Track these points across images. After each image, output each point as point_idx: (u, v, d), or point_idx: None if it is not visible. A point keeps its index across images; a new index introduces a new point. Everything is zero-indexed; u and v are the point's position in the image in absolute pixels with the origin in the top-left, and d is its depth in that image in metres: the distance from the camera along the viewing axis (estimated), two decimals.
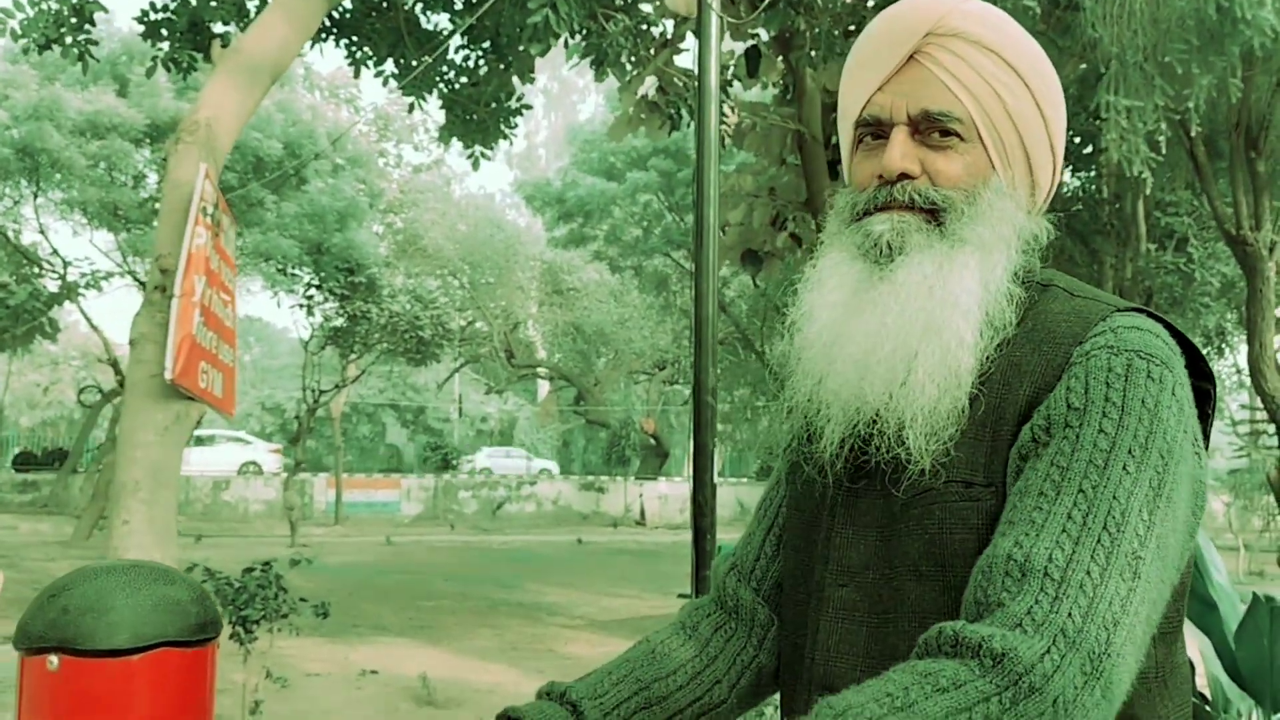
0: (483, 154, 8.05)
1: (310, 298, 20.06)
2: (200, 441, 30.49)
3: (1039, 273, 1.08)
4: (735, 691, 1.14)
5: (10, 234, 19.59)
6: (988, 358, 1.00)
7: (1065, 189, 13.25)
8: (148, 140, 17.90)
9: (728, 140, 9.28)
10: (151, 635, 0.71)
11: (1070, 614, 0.84)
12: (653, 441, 32.41)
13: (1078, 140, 11.80)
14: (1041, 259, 1.08)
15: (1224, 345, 13.46)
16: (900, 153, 1.03)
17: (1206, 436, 1.01)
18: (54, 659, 0.69)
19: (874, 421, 1.02)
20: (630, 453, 33.65)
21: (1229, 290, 11.54)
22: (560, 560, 18.60)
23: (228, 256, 4.60)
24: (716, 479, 3.95)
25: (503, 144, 8.47)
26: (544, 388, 42.36)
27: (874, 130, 1.07)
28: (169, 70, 7.30)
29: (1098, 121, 6.80)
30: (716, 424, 3.75)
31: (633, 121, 8.88)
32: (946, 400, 0.98)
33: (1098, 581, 0.86)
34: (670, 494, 31.22)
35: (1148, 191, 7.16)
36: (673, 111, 7.85)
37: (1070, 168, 12.90)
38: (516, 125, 8.10)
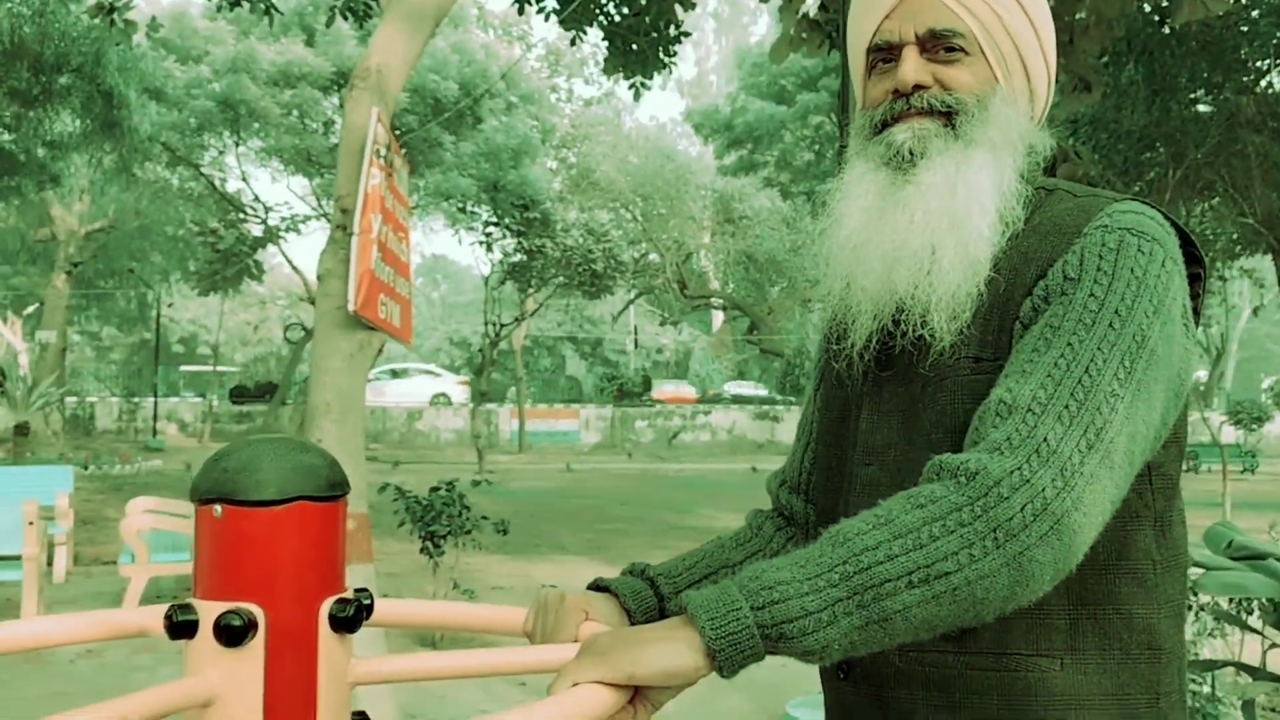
0: (643, 84, 8.13)
1: (489, 234, 20.77)
2: (395, 375, 32.30)
3: (1043, 179, 1.16)
4: None
5: (217, 182, 21.05)
6: (1000, 249, 1.09)
7: None
8: (335, 87, 18.82)
9: None
10: (291, 490, 0.88)
11: (1046, 437, 0.94)
12: None
13: None
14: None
15: None
16: (913, 66, 1.13)
17: (1197, 313, 1.09)
18: (218, 508, 0.87)
19: (899, 310, 1.13)
20: (804, 381, 33.53)
21: None
22: (734, 487, 18.87)
23: (401, 195, 4.89)
24: None
25: (675, 72, 8.52)
26: (718, 318, 42.49)
27: (885, 55, 1.16)
28: (345, 19, 7.69)
29: None
30: None
31: (794, 41, 8.74)
32: (967, 286, 1.08)
33: (1075, 413, 0.95)
34: None
35: None
36: (832, 30, 7.69)
37: None
38: (676, 54, 8.13)
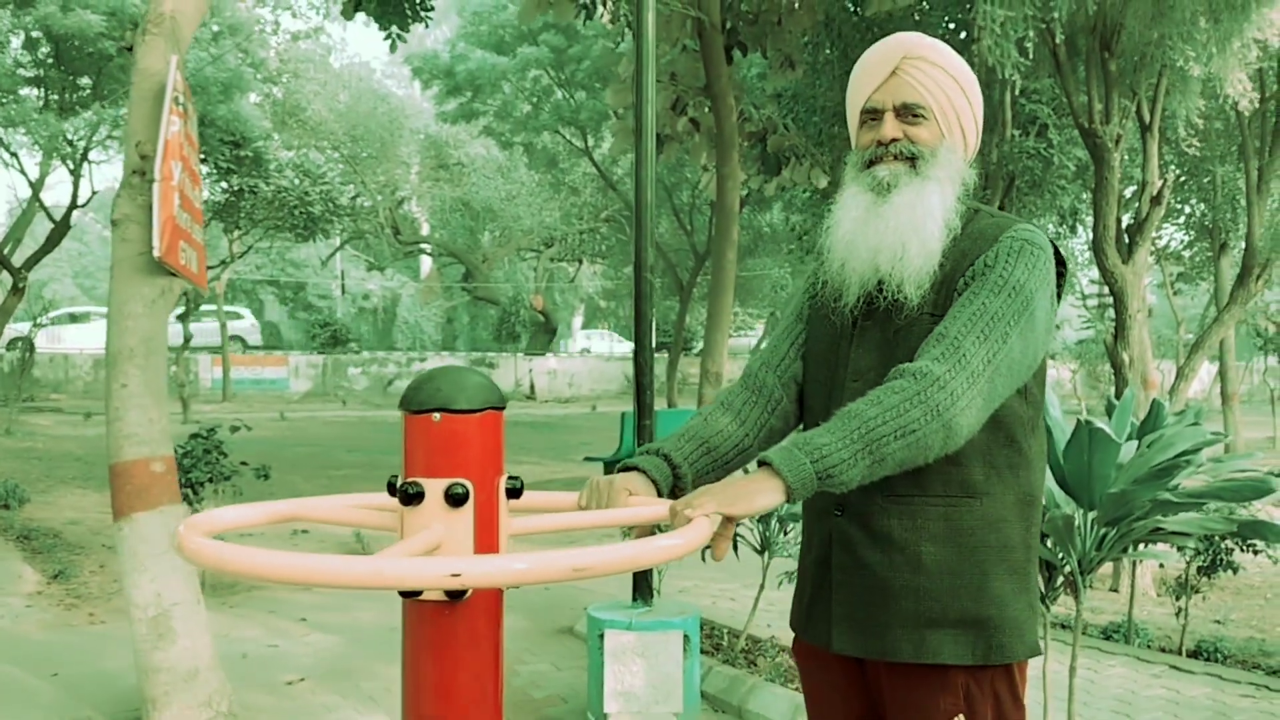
0: (399, 36, 8.24)
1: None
2: (75, 319, 29.65)
3: (969, 202, 1.79)
4: (757, 441, 1.83)
5: None
6: (946, 246, 1.71)
7: None
8: (10, 4, 16.99)
9: (631, 28, 9.59)
10: (484, 402, 1.28)
11: (964, 354, 1.56)
12: (541, 318, 32.90)
13: (951, 27, 12.49)
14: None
15: (1077, 224, 14.54)
16: (891, 126, 1.75)
17: (1059, 298, 1.76)
18: (437, 415, 1.26)
19: (880, 284, 1.73)
20: (520, 329, 34.08)
21: (1083, 173, 12.53)
22: None
23: (194, 141, 4.91)
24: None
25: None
26: (426, 264, 42.07)
27: (872, 115, 1.78)
28: None
29: (970, 13, 7.46)
30: (654, 297, 4.37)
31: (542, 4, 9.14)
32: (926, 268, 1.70)
33: (981, 342, 1.58)
34: (559, 369, 31.92)
35: (1018, 90, 7.91)
36: None
37: None
38: (433, 7, 8.30)
